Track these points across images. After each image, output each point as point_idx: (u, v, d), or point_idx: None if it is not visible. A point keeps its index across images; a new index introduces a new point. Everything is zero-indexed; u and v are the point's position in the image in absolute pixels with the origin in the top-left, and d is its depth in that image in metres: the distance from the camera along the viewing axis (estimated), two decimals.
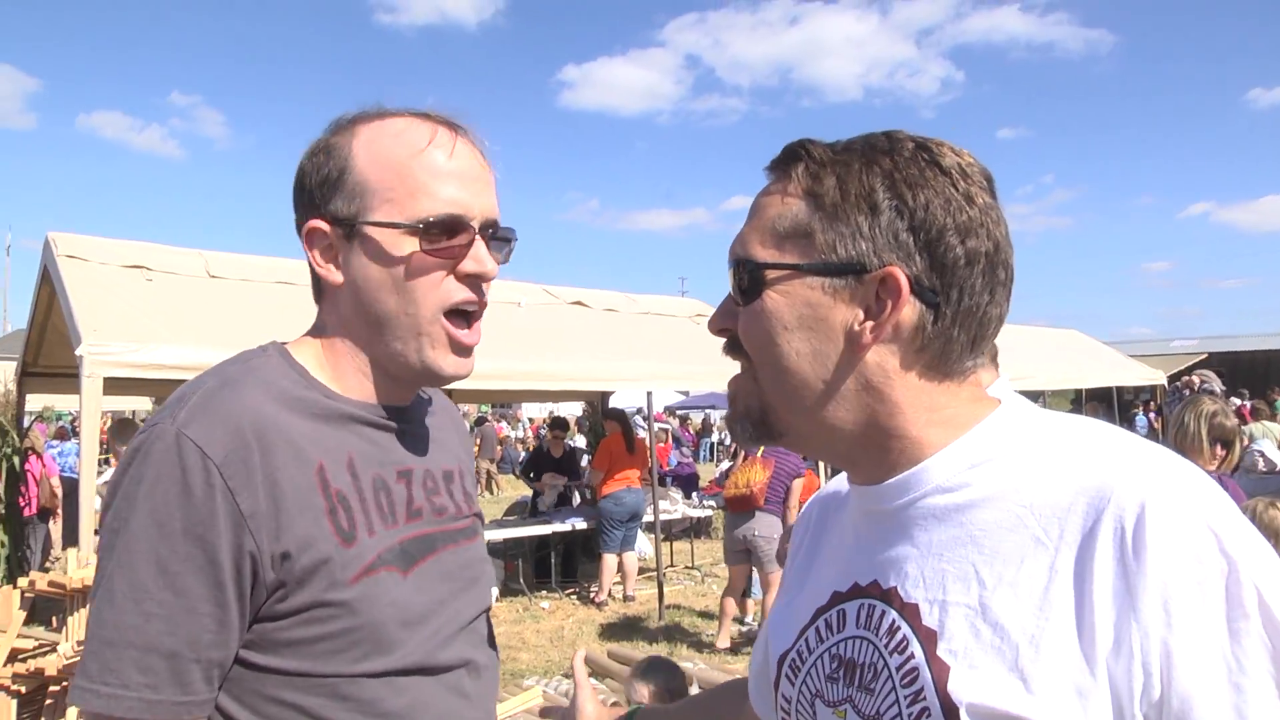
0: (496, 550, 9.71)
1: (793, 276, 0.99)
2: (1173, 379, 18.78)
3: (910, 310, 0.96)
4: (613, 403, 12.34)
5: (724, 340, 1.08)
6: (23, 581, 5.54)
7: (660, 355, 9.87)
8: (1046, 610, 0.88)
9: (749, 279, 1.01)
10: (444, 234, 1.22)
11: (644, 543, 10.88)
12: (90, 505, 6.46)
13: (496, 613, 4.40)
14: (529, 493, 12.53)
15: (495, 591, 1.56)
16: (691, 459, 22.26)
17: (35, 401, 10.85)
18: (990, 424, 1.00)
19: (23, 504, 9.24)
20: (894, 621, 0.97)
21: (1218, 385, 15.26)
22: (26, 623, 5.24)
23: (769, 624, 1.19)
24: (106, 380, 6.49)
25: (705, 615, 9.09)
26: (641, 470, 10.06)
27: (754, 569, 7.99)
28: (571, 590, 10.56)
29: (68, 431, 16.33)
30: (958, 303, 0.97)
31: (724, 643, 7.81)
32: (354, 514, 1.18)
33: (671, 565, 11.51)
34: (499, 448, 23.83)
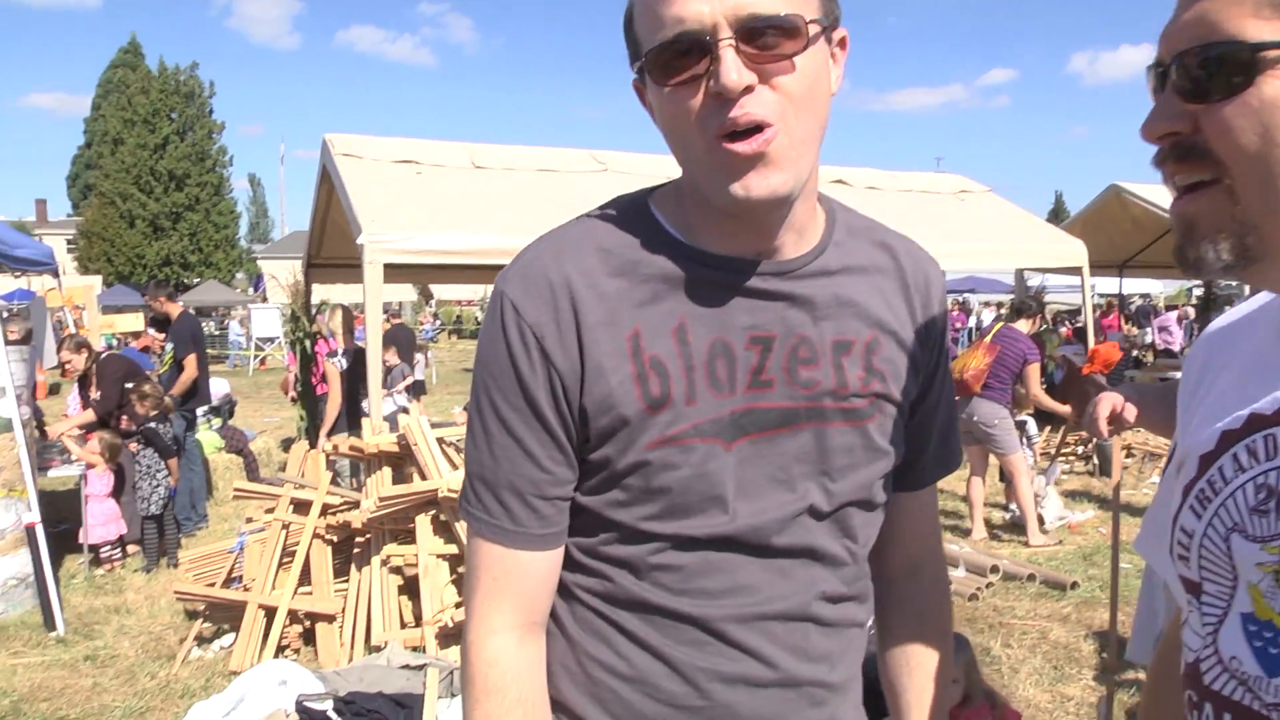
0: None
1: None
2: None
3: None
4: None
5: (1161, 148, 0.88)
6: (327, 446, 6.19)
7: (925, 234, 9.59)
8: None
9: (1229, 63, 0.80)
10: (676, 59, 1.04)
11: None
12: (377, 379, 7.08)
13: None
14: None
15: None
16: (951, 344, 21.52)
17: (318, 292, 11.79)
18: None
19: (314, 382, 10.15)
20: None
21: None
22: (332, 483, 5.87)
23: (1176, 458, 1.04)
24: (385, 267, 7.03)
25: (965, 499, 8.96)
26: None
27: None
28: None
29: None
30: None
31: (979, 532, 7.57)
32: (670, 381, 1.12)
33: None
34: None
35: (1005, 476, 7.94)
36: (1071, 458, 10.43)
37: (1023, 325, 7.62)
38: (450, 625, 4.99)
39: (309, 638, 5.42)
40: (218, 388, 11.54)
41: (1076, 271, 10.49)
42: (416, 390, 14.39)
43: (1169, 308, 28.39)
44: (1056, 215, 66.61)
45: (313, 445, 7.82)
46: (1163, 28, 0.87)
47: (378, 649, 5.02)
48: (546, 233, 1.22)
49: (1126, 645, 4.29)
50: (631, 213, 1.21)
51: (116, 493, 7.24)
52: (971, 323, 28.16)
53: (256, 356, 25.77)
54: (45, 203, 67.17)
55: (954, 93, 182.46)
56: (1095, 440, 8.68)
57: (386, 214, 7.34)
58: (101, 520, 7.07)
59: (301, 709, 4.07)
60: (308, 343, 10.15)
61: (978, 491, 7.70)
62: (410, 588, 5.44)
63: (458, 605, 5.18)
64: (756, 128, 1.02)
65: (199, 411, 8.82)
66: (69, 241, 47.11)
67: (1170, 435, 1.29)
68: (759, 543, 1.16)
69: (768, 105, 1.03)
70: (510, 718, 1.14)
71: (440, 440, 5.74)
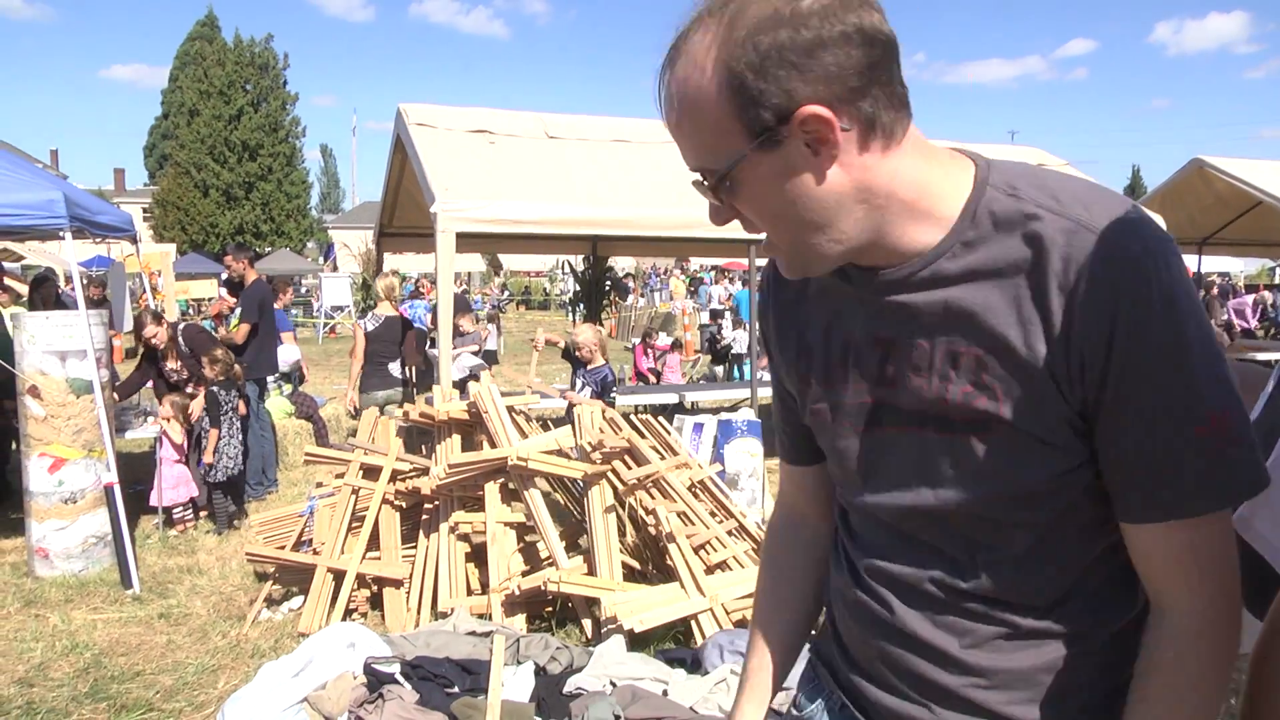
0: None
1: None
2: None
3: None
4: None
5: None
6: (398, 412, 6.21)
7: None
8: None
9: None
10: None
11: None
12: (448, 348, 7.10)
13: None
14: None
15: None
16: None
17: (390, 261, 11.88)
18: None
19: None
20: None
21: None
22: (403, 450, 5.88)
23: None
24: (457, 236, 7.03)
25: None
26: None
27: None
28: None
29: (416, 292, 17.93)
30: None
31: None
32: (814, 367, 1.30)
33: None
34: None
35: None
36: None
37: None
38: (516, 593, 4.99)
39: (376, 602, 5.45)
40: (288, 354, 11.69)
41: None
42: (489, 359, 14.51)
43: (1249, 288, 27.62)
44: (1133, 191, 65.14)
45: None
46: None
47: (444, 615, 5.03)
48: None
49: None
50: None
51: (187, 457, 7.35)
52: None
53: (326, 325, 26.14)
54: (123, 172, 68.81)
55: (1031, 64, 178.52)
56: None
57: (459, 183, 7.34)
58: (172, 484, 7.18)
59: (370, 671, 4.08)
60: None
61: None
62: (477, 555, 5.44)
63: (524, 574, 5.17)
64: None
65: (269, 379, 8.92)
66: (145, 210, 47.96)
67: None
68: (889, 521, 1.26)
69: (755, 226, 1.14)
70: (763, 569, 1.56)
71: (510, 409, 5.73)
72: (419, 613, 5.20)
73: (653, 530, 5.09)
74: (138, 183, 67.51)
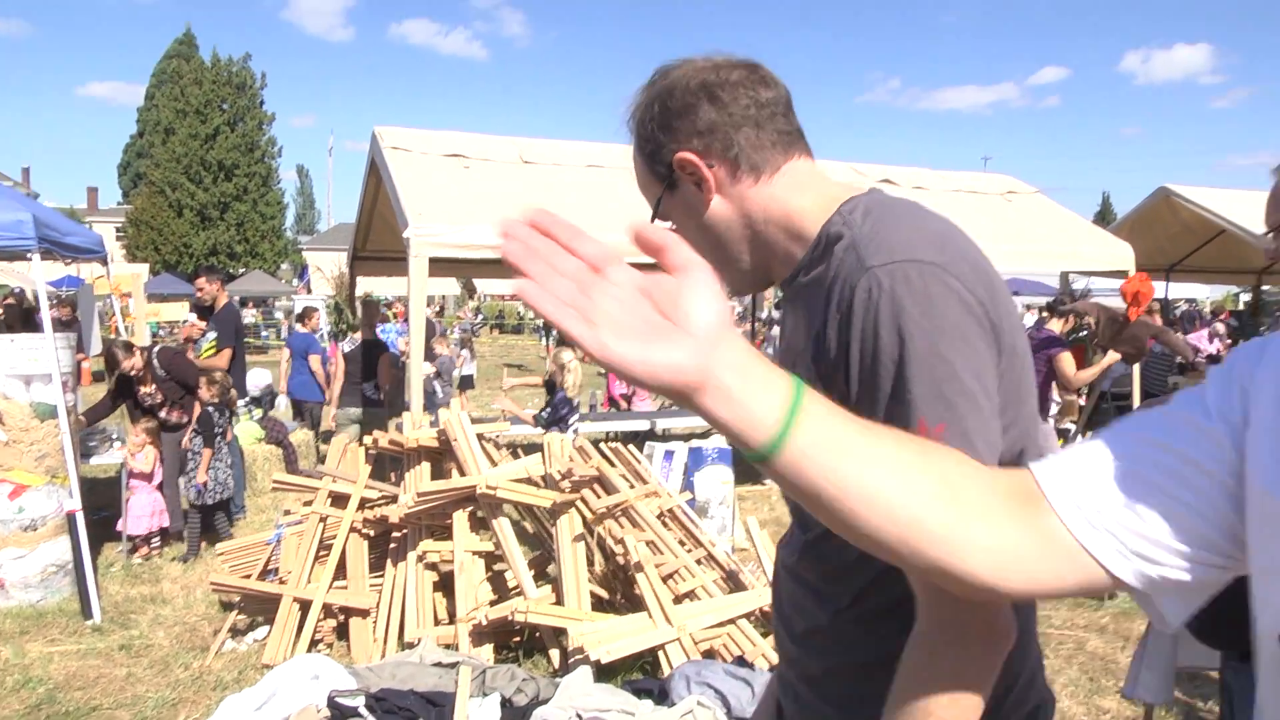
0: None
1: None
2: None
3: None
4: None
5: None
6: (367, 440, 6.16)
7: (970, 234, 9.46)
8: None
9: None
10: None
11: None
12: (419, 373, 7.05)
13: None
14: None
15: None
16: None
17: (363, 285, 11.80)
18: None
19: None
20: None
21: None
22: (371, 477, 5.83)
23: None
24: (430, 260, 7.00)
25: None
26: None
27: None
28: None
29: (386, 315, 17.85)
30: None
31: None
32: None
33: None
34: None
35: None
36: None
37: (1055, 325, 7.57)
38: (484, 623, 4.94)
39: (342, 632, 5.39)
40: (259, 379, 11.60)
41: (1123, 275, 10.28)
42: (465, 385, 14.44)
43: (1214, 313, 27.96)
44: (1103, 217, 65.78)
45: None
46: None
47: (410, 645, 4.98)
48: None
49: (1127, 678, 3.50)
50: None
51: (160, 484, 7.27)
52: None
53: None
54: (96, 190, 68.40)
55: (1005, 91, 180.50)
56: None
57: (433, 207, 7.31)
58: (148, 511, 7.09)
59: (333, 705, 4.03)
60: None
61: None
62: (445, 584, 5.40)
63: (492, 603, 5.13)
64: None
65: (240, 403, 8.84)
66: (118, 229, 47.72)
67: None
68: None
69: None
70: None
71: (480, 436, 5.70)
72: (385, 643, 5.14)
73: (621, 559, 5.06)
74: (111, 201, 67.07)
